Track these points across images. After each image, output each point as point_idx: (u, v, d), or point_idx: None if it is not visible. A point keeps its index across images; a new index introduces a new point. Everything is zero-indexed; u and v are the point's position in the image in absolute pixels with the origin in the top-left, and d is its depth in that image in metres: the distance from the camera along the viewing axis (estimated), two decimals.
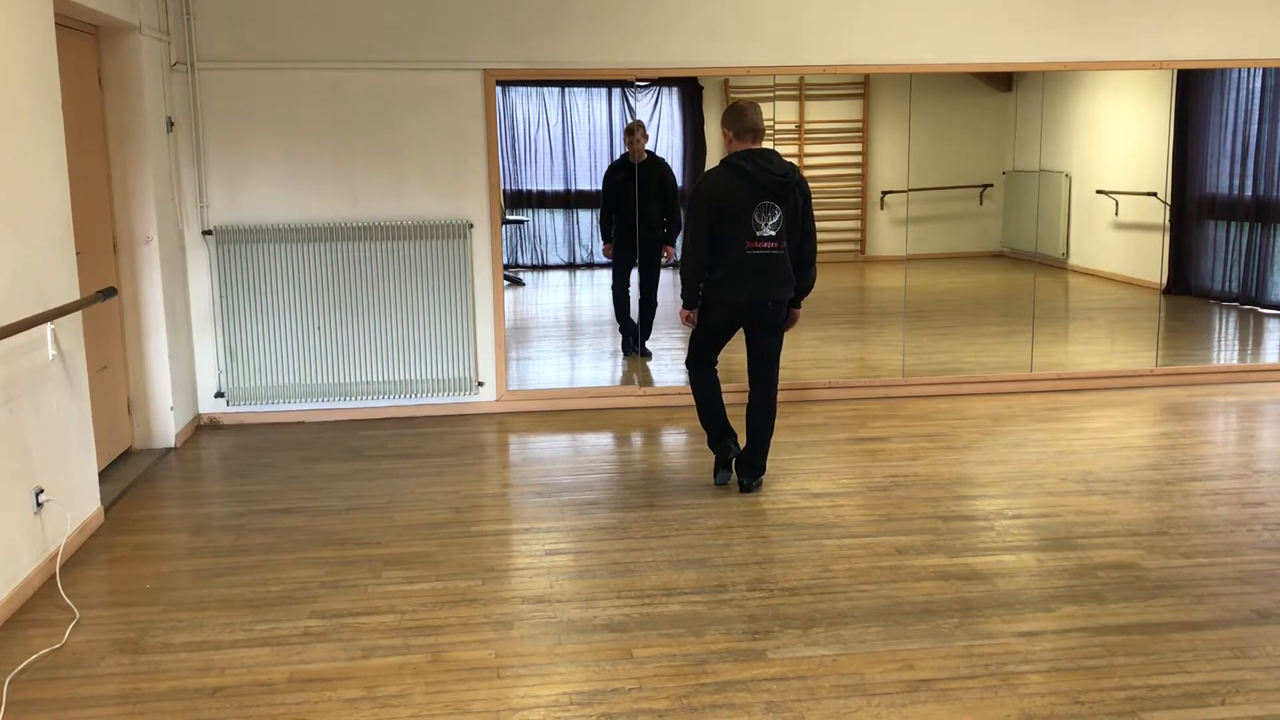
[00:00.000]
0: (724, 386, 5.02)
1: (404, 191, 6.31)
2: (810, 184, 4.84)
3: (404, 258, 6.32)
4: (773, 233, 4.67)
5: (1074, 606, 3.71)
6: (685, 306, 4.85)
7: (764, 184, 4.62)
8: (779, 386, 4.97)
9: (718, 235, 4.67)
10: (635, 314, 7.59)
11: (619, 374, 7.55)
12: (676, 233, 7.41)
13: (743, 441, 5.07)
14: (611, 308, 7.78)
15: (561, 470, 5.39)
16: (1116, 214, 8.45)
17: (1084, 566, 4.05)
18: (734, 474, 5.04)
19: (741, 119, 4.70)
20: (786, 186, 4.66)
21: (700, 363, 4.99)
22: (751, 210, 4.64)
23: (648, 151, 7.39)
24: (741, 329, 4.89)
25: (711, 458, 5.18)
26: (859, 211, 9.51)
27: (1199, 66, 6.92)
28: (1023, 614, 3.65)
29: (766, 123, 4.77)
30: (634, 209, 7.31)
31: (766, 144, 4.76)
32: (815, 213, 4.84)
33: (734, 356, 5.10)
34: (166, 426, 5.84)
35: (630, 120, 8.67)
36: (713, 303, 4.78)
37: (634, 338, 7.64)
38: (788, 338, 4.97)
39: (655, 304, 7.62)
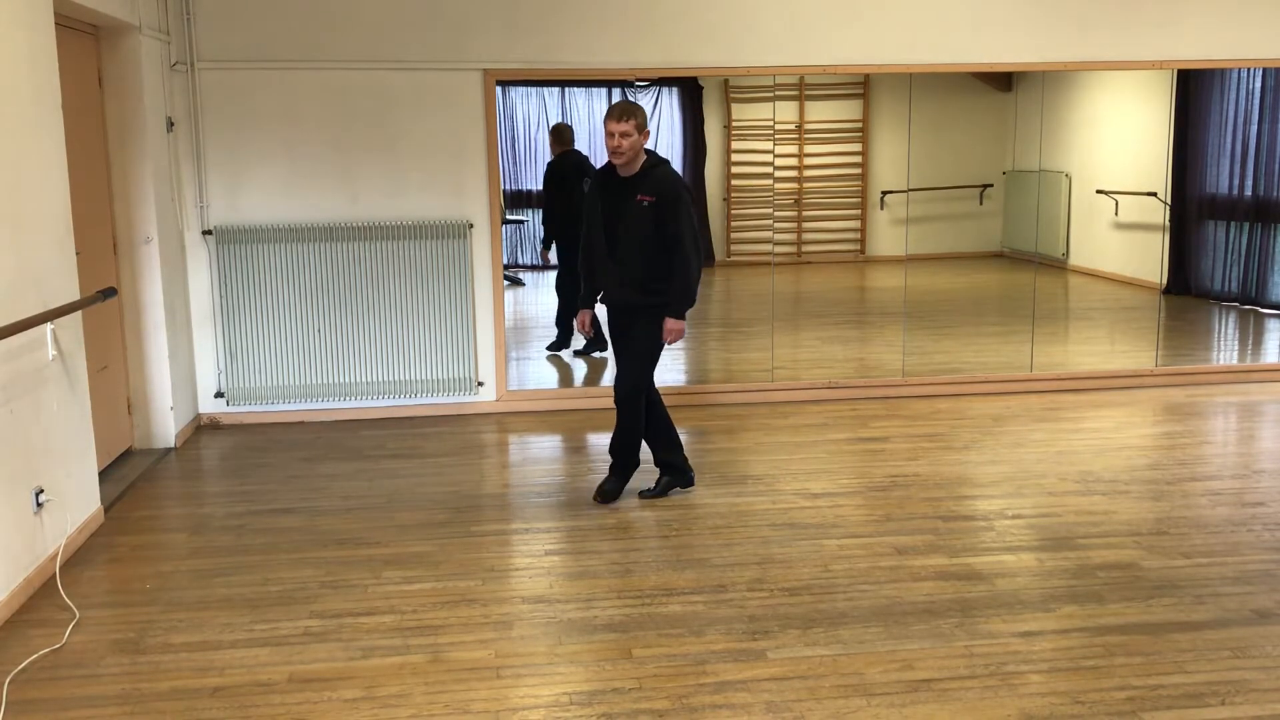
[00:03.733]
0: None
1: (404, 191, 6.31)
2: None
3: (404, 258, 6.32)
4: None
5: (1074, 606, 3.71)
6: (682, 316, 4.64)
7: None
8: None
9: None
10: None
11: None
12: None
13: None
14: (561, 306, 7.79)
15: (561, 470, 5.39)
16: (1116, 214, 8.45)
17: (1084, 566, 4.05)
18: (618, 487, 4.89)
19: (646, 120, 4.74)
20: None
21: (649, 381, 4.79)
22: None
23: (574, 150, 7.52)
24: None
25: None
26: (859, 211, 9.48)
27: (1199, 66, 6.92)
28: (1023, 614, 3.65)
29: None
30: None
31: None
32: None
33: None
34: (166, 426, 5.84)
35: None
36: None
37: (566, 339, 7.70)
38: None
39: None
